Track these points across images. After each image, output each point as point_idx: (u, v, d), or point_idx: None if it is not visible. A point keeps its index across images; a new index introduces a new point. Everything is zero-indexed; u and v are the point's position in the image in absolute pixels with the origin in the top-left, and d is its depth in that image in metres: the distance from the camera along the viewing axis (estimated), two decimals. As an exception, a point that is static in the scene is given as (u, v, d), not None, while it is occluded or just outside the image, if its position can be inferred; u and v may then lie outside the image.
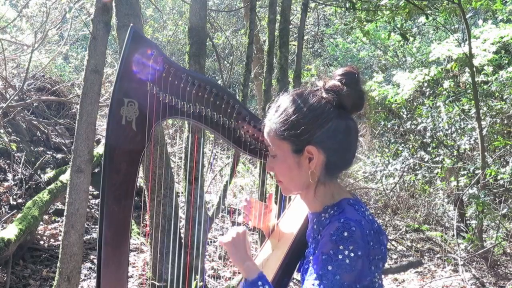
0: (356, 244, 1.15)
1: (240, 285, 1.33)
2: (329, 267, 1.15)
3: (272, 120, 1.28)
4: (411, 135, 6.35)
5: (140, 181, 4.24)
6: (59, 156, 5.84)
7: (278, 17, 4.29)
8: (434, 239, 5.55)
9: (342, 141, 1.25)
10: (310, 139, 1.23)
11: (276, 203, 1.64)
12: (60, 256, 2.89)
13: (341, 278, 1.15)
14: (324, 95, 1.24)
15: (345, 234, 1.16)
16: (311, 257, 1.28)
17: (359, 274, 1.17)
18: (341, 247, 1.15)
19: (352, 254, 1.15)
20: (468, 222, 5.24)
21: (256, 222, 1.59)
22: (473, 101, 5.18)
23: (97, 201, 5.27)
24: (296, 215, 1.56)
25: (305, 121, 1.22)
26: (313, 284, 1.18)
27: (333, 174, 1.29)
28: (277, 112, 1.27)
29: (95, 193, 5.31)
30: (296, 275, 1.47)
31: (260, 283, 1.28)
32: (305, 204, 1.37)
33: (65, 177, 4.62)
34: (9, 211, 4.48)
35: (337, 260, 1.15)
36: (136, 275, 4.07)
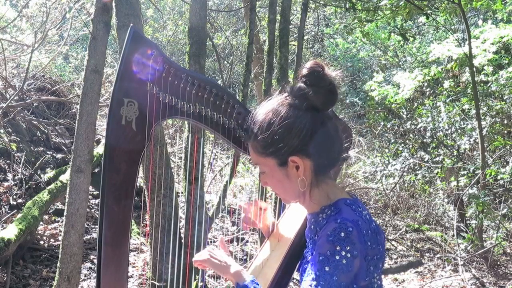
0: (353, 244, 1.15)
1: None
2: (326, 268, 1.15)
3: (251, 139, 1.28)
4: (411, 135, 6.35)
5: (140, 181, 4.24)
6: (59, 156, 5.84)
7: (278, 17, 4.29)
8: (434, 239, 5.55)
9: (322, 142, 1.24)
10: (291, 150, 1.23)
11: (276, 203, 1.65)
12: (60, 256, 2.89)
13: (338, 279, 1.15)
14: (291, 102, 1.24)
15: (342, 234, 1.16)
16: (309, 257, 1.28)
17: (356, 275, 1.17)
18: (338, 248, 1.15)
19: (349, 255, 1.15)
20: (468, 222, 5.24)
21: (256, 223, 1.61)
22: (473, 101, 5.18)
23: (97, 201, 5.27)
24: (295, 215, 1.57)
25: (281, 135, 1.22)
26: (310, 285, 1.17)
27: (323, 174, 1.28)
28: (253, 129, 1.27)
29: (95, 193, 5.31)
30: (296, 275, 1.47)
31: (252, 287, 1.30)
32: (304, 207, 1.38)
33: (65, 177, 4.62)
34: (9, 211, 4.48)
35: (334, 261, 1.15)
36: (136, 275, 4.07)
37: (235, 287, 1.32)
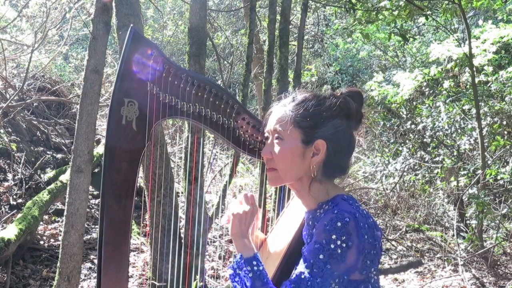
0: (348, 235, 1.18)
1: (233, 263, 1.32)
2: (321, 256, 1.17)
3: (288, 107, 1.32)
4: (411, 135, 6.35)
5: (140, 181, 4.25)
6: (59, 156, 5.84)
7: (278, 17, 4.30)
8: (434, 239, 5.55)
9: (345, 145, 1.31)
10: (322, 134, 1.28)
11: (275, 202, 1.65)
12: (60, 256, 2.89)
13: (332, 268, 1.17)
14: (339, 103, 1.31)
15: (339, 224, 1.18)
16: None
17: (350, 266, 1.19)
18: (333, 237, 1.17)
19: (344, 245, 1.17)
20: (468, 222, 5.23)
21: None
22: (473, 101, 5.18)
23: (97, 201, 5.27)
24: (294, 215, 1.56)
25: (323, 116, 1.28)
26: (302, 272, 1.19)
27: (330, 175, 1.32)
28: (294, 101, 1.32)
29: (95, 193, 5.31)
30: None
31: (254, 262, 1.28)
32: (301, 202, 1.39)
33: (65, 177, 4.62)
34: (9, 211, 4.48)
35: (329, 250, 1.17)
36: (136, 275, 4.07)
37: (238, 258, 1.31)
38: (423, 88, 6.79)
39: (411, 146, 6.19)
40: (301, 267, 1.21)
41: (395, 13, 5.08)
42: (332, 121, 1.29)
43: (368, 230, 1.22)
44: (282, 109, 1.32)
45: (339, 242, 1.16)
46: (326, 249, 1.17)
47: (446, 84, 6.27)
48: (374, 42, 9.35)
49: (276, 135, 1.32)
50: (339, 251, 1.16)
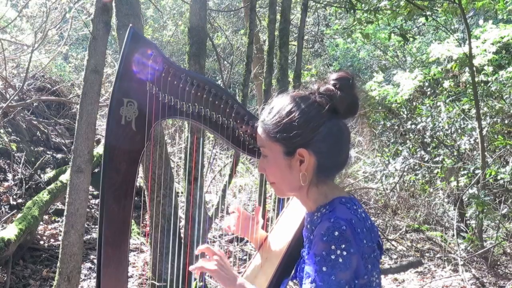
0: (348, 242, 1.16)
1: None
2: (324, 268, 1.16)
3: (265, 121, 1.28)
4: (411, 135, 6.35)
5: (140, 181, 4.25)
6: (59, 156, 5.84)
7: (278, 17, 4.30)
8: (434, 239, 5.55)
9: (333, 144, 1.26)
10: (302, 142, 1.24)
11: (275, 202, 1.65)
12: (60, 256, 2.89)
13: (337, 278, 1.15)
14: (317, 98, 1.25)
15: (336, 233, 1.16)
16: (306, 257, 1.29)
17: (356, 271, 1.17)
18: (333, 247, 1.15)
19: (344, 253, 1.15)
20: (468, 222, 5.23)
21: (242, 233, 1.59)
22: (473, 101, 5.18)
23: (97, 201, 5.27)
24: (294, 215, 1.56)
25: (297, 124, 1.23)
26: None
27: (326, 176, 1.29)
28: (270, 114, 1.28)
29: (95, 193, 5.31)
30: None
31: None
32: (301, 204, 1.37)
33: (65, 177, 4.62)
34: (9, 211, 4.48)
35: (331, 261, 1.15)
36: (136, 275, 4.07)
37: None
38: (424, 87, 6.79)
39: (411, 146, 6.19)
40: (307, 283, 1.18)
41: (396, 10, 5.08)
42: (309, 125, 1.22)
43: (366, 234, 1.21)
44: (261, 125, 1.29)
45: (339, 252, 1.15)
46: (328, 261, 1.15)
47: (446, 84, 6.27)
48: (374, 42, 9.34)
49: (262, 153, 1.31)
50: (341, 260, 1.15)
